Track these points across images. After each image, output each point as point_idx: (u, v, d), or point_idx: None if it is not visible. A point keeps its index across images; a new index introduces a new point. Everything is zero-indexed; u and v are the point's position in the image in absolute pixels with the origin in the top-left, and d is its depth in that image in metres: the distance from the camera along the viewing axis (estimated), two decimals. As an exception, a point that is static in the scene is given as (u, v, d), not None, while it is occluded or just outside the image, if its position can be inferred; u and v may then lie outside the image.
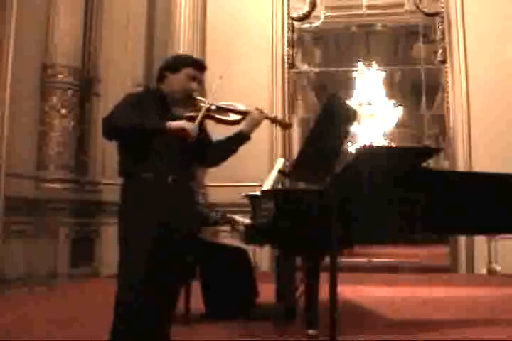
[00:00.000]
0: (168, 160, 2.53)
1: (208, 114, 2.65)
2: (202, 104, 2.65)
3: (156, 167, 2.52)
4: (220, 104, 2.71)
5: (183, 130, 2.43)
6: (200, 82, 2.72)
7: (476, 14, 7.47)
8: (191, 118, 2.56)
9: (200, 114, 2.56)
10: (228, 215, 4.03)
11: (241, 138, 2.72)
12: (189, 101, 2.66)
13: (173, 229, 2.53)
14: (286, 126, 2.99)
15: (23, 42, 5.88)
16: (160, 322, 2.58)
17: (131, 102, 2.58)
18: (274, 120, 2.83)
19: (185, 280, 3.85)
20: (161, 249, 2.49)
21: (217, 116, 2.69)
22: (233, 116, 2.71)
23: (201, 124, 2.63)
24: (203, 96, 2.78)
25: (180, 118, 2.57)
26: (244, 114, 2.71)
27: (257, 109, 2.72)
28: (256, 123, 2.70)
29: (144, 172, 2.53)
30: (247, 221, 3.79)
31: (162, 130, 2.44)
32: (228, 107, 2.73)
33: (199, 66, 2.69)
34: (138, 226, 2.49)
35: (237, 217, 3.95)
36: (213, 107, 2.67)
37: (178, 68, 2.64)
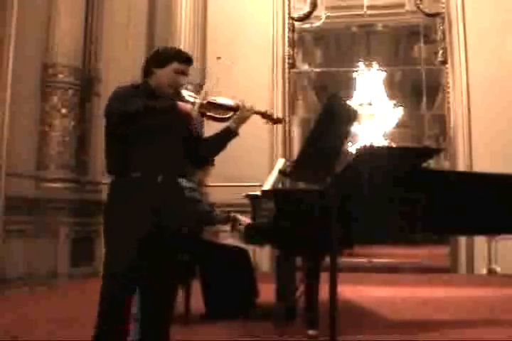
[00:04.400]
0: (158, 158, 2.52)
1: (199, 111, 2.61)
2: (191, 99, 2.62)
3: (145, 166, 2.51)
4: (211, 99, 2.68)
5: (187, 113, 2.48)
6: (187, 75, 2.70)
7: (476, 15, 7.48)
8: None
9: (196, 108, 2.54)
10: (232, 214, 4.02)
11: (229, 135, 2.69)
12: (178, 97, 2.64)
13: (163, 228, 2.51)
14: (277, 121, 2.86)
15: (24, 42, 5.88)
16: (155, 323, 2.57)
17: (123, 95, 2.56)
18: (264, 115, 2.77)
19: (185, 280, 3.85)
20: (151, 248, 2.49)
21: (208, 114, 2.65)
22: (224, 113, 2.69)
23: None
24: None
25: None
26: (235, 110, 2.68)
27: (243, 105, 2.69)
28: (243, 119, 2.68)
29: (132, 172, 2.52)
30: (249, 221, 3.78)
31: (172, 107, 2.48)
32: (219, 103, 2.70)
33: (185, 60, 2.66)
34: (125, 226, 2.48)
35: (240, 217, 3.94)
36: (204, 102, 2.63)
37: (164, 63, 2.62)
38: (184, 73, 2.65)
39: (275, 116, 2.80)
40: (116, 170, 2.59)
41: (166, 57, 2.65)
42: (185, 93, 2.68)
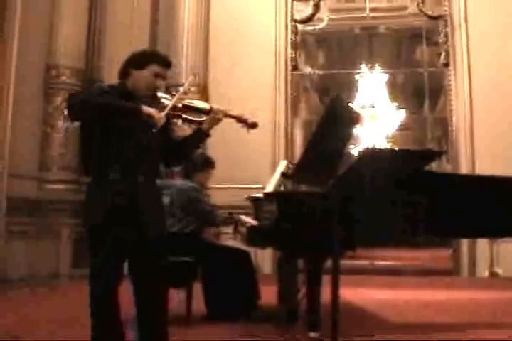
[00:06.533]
0: (136, 160, 2.51)
1: (174, 113, 2.61)
2: (166, 101, 2.61)
3: (124, 167, 2.50)
4: (186, 102, 2.67)
5: (151, 116, 2.43)
6: (165, 79, 2.69)
7: (479, 17, 7.47)
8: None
9: (168, 107, 2.53)
10: (235, 215, 4.01)
11: (201, 136, 2.71)
12: (154, 98, 2.63)
13: (142, 230, 2.51)
14: (252, 126, 2.78)
15: (27, 44, 5.89)
16: (151, 327, 2.57)
17: (98, 93, 2.56)
18: (239, 119, 2.75)
19: (187, 281, 3.85)
20: (132, 250, 2.50)
21: (184, 116, 2.65)
22: (200, 116, 2.68)
23: (168, 121, 2.60)
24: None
25: None
26: (208, 112, 2.68)
27: (217, 108, 2.70)
28: (215, 122, 2.68)
29: (111, 173, 2.50)
30: (253, 222, 3.77)
31: (133, 110, 2.44)
32: (194, 106, 2.69)
33: (164, 63, 2.65)
34: (104, 228, 2.47)
35: (244, 218, 3.93)
36: (179, 105, 2.63)
37: (143, 65, 2.60)
38: (162, 76, 2.64)
39: (250, 121, 2.76)
40: (94, 171, 2.57)
41: (146, 59, 2.63)
42: (160, 95, 2.67)
